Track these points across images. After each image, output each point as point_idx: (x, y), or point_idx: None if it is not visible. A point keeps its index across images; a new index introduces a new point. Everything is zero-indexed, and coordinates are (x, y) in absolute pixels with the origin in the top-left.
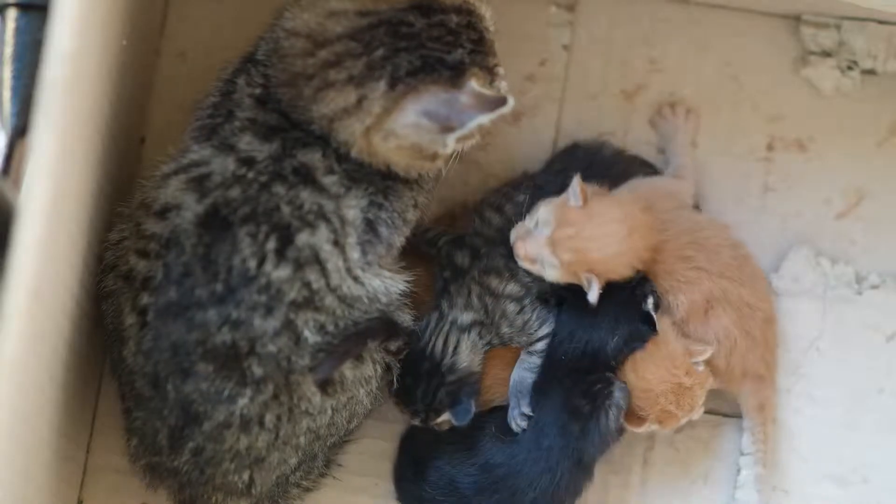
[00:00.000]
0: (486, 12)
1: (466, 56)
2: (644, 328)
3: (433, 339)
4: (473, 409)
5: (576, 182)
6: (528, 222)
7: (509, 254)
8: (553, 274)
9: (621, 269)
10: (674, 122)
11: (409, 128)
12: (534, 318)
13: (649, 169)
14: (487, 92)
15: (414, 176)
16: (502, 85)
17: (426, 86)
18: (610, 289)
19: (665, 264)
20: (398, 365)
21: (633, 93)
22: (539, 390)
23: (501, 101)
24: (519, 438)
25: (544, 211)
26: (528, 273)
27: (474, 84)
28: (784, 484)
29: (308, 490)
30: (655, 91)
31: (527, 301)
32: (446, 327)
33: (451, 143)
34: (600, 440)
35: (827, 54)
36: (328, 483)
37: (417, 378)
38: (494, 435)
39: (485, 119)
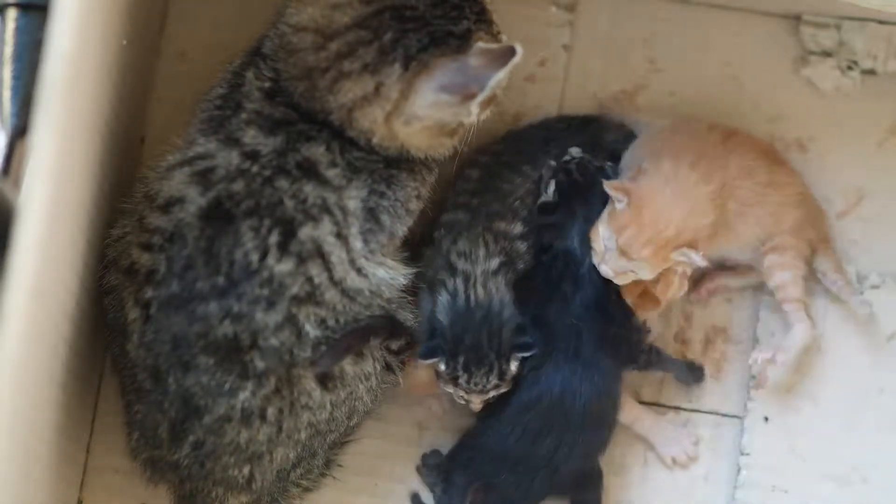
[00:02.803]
0: None
1: (472, 25)
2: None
3: (470, 293)
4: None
5: (608, 186)
6: (599, 246)
7: (500, 198)
8: (649, 272)
9: (704, 222)
10: (618, 109)
11: (430, 107)
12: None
13: None
14: (494, 46)
15: (430, 157)
16: None
17: (435, 59)
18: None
19: (739, 186)
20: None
21: (633, 93)
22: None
23: (510, 51)
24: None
25: (602, 229)
26: (524, 205)
27: (480, 44)
28: (784, 484)
29: (308, 490)
30: (655, 91)
31: (531, 239)
32: (479, 279)
33: (475, 110)
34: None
35: (827, 54)
36: (328, 483)
37: (476, 330)
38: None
39: (501, 74)
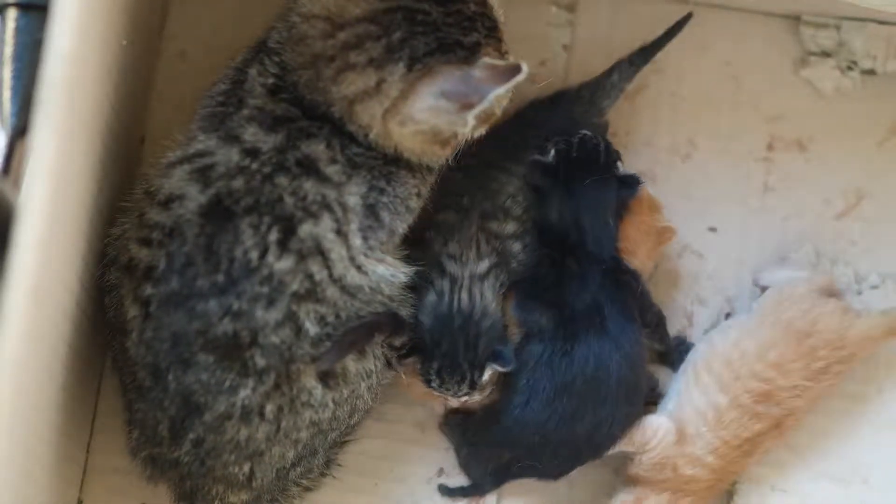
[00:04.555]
0: (494, 2)
1: (482, 39)
2: (627, 190)
3: (455, 297)
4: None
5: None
6: None
7: (490, 196)
8: None
9: None
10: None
11: (427, 112)
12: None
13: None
14: (500, 62)
15: (423, 162)
16: None
17: (440, 66)
18: (580, 171)
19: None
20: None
21: (633, 93)
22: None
23: (516, 69)
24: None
25: None
26: (516, 203)
27: (487, 59)
28: (783, 484)
29: (308, 489)
30: (655, 91)
31: (527, 238)
32: (465, 283)
33: (470, 121)
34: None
35: (827, 54)
36: (328, 483)
37: (453, 337)
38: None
39: (501, 90)
